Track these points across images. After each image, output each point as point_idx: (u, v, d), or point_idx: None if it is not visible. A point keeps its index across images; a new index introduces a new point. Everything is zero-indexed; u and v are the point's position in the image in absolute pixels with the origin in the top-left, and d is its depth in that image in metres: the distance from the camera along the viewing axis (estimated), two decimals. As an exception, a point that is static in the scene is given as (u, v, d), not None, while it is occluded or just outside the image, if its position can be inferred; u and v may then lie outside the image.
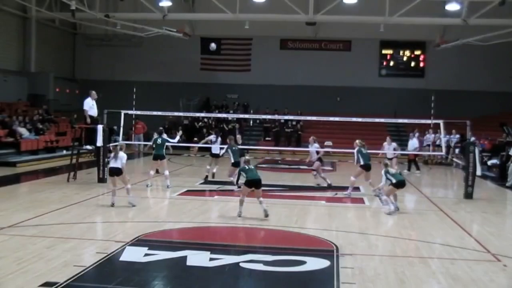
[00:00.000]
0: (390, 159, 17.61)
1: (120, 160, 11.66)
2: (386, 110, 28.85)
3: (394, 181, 11.67)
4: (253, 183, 10.75)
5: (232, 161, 14.86)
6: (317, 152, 15.53)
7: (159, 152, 14.88)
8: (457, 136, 24.19)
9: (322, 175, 15.50)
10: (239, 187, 13.83)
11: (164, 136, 15.39)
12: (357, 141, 14.46)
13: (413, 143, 20.69)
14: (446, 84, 29.88)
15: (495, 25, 24.26)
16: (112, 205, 11.49)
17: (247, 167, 11.02)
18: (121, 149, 11.95)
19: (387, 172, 11.88)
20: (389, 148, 17.90)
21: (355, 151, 14.15)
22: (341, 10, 25.93)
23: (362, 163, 13.94)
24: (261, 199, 10.80)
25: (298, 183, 16.90)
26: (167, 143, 15.33)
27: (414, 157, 20.85)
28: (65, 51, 32.72)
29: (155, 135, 15.67)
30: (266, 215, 10.61)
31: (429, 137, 24.62)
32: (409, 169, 20.41)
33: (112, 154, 11.86)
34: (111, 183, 11.96)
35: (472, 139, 22.42)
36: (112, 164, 11.73)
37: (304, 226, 10.15)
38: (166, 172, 14.88)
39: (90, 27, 30.81)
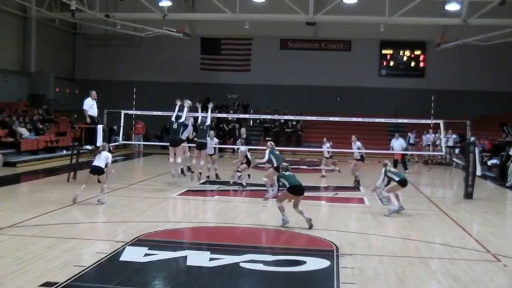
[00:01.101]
0: (358, 160, 16.77)
1: (104, 159, 11.88)
2: (386, 110, 28.87)
3: (397, 179, 11.57)
4: (296, 190, 10.05)
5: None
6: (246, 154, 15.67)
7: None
8: (454, 136, 24.12)
9: (240, 175, 15.31)
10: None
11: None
12: (268, 143, 14.33)
13: (400, 142, 20.62)
14: (446, 84, 29.89)
15: (495, 25, 24.27)
16: (74, 201, 11.62)
17: (286, 173, 10.30)
18: (103, 149, 12.11)
19: (387, 171, 11.78)
20: (353, 147, 16.95)
21: (267, 152, 13.72)
22: (341, 10, 25.94)
23: (275, 164, 13.33)
24: (301, 208, 10.03)
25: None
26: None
27: (402, 157, 20.77)
28: (65, 51, 32.72)
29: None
30: (310, 226, 9.89)
31: (429, 137, 24.61)
32: (404, 169, 20.30)
33: (97, 153, 12.12)
34: (87, 180, 12.06)
35: (472, 139, 22.46)
36: (95, 162, 11.94)
37: (304, 226, 10.14)
38: (179, 159, 14.80)
39: (90, 27, 30.85)
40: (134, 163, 23.93)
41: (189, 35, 29.24)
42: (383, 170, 11.90)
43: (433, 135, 24.12)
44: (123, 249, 8.10)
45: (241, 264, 7.51)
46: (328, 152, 18.53)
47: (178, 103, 15.51)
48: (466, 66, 30.36)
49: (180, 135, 14.94)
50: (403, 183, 11.63)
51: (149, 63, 32.35)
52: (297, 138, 29.09)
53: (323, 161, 18.65)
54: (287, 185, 10.01)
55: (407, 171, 20.15)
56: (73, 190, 13.56)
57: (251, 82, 31.90)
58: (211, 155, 16.68)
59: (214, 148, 16.93)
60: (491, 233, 10.21)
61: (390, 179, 11.76)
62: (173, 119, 15.03)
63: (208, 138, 16.35)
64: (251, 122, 31.78)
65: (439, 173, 21.90)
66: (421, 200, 14.16)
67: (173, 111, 15.10)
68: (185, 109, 15.31)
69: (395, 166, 20.17)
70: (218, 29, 30.88)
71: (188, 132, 16.12)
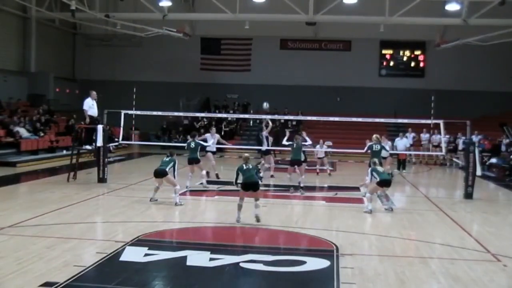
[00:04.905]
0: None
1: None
2: (386, 110, 28.86)
3: (378, 179, 11.70)
4: (385, 183, 11.75)
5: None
6: None
7: (193, 155, 14.72)
8: (442, 136, 24.00)
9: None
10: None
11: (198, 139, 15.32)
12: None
13: (404, 142, 20.66)
14: (446, 84, 29.92)
15: (495, 25, 24.30)
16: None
17: (378, 169, 11.78)
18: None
19: (373, 170, 11.91)
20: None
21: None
22: (341, 10, 25.95)
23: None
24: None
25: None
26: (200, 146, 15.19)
27: (405, 157, 20.84)
28: (65, 51, 32.74)
29: (189, 139, 15.47)
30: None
31: (423, 136, 24.50)
32: (403, 168, 20.31)
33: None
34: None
35: (479, 137, 22.42)
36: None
37: (304, 226, 10.15)
38: (203, 172, 14.96)
39: (90, 27, 30.86)
40: (134, 163, 23.90)
41: (189, 35, 29.26)
42: (369, 169, 12.17)
43: (427, 135, 24.05)
44: (123, 249, 8.10)
45: (241, 264, 7.50)
46: (326, 153, 18.71)
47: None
48: (466, 66, 30.38)
49: (198, 153, 14.89)
50: (382, 183, 11.74)
51: (149, 63, 32.37)
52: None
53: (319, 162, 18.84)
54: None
55: (404, 171, 20.17)
56: (73, 190, 13.64)
57: (251, 82, 31.89)
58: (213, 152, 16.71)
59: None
60: (491, 233, 10.20)
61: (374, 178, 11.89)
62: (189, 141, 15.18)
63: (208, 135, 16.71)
64: (251, 122, 31.78)
65: (439, 173, 21.90)
66: (421, 200, 14.17)
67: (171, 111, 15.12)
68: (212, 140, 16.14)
69: (399, 166, 20.25)
70: (218, 29, 30.89)
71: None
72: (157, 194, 12.31)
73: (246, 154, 10.71)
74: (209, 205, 12.96)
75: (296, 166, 14.59)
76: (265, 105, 17.61)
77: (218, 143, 17.11)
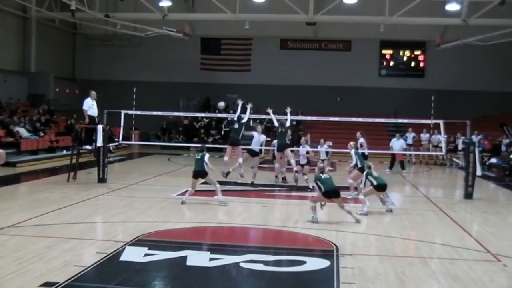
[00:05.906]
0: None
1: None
2: (386, 110, 28.85)
3: (375, 183, 11.68)
4: (381, 188, 11.70)
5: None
6: None
7: (235, 137, 14.91)
8: (445, 136, 23.97)
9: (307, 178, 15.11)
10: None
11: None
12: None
13: (401, 143, 20.67)
14: (446, 84, 29.92)
15: (495, 25, 24.30)
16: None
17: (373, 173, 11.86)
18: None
19: (368, 174, 11.90)
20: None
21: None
22: (341, 10, 25.94)
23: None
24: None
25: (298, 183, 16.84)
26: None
27: (402, 157, 20.84)
28: (65, 51, 32.73)
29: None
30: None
31: (423, 136, 24.50)
32: (402, 168, 20.30)
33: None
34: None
35: (479, 137, 22.46)
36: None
37: (304, 226, 10.14)
38: (240, 160, 14.86)
39: (90, 27, 30.87)
40: (134, 163, 23.90)
41: (189, 35, 29.26)
42: (365, 172, 12.10)
43: (427, 135, 24.05)
44: (123, 249, 8.10)
45: (241, 264, 7.50)
46: (327, 153, 18.30)
47: (241, 102, 16.17)
48: (466, 66, 30.37)
49: (240, 135, 14.97)
50: (379, 188, 11.72)
51: (149, 63, 32.36)
52: (297, 138, 29.03)
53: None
54: (323, 190, 10.65)
55: (404, 171, 20.17)
56: (73, 190, 13.64)
57: (251, 82, 31.86)
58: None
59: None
60: (491, 233, 10.20)
61: (370, 182, 11.87)
62: (235, 118, 15.16)
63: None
64: (251, 122, 31.69)
65: (438, 173, 21.90)
66: (421, 200, 14.16)
67: (171, 111, 15.07)
68: (248, 110, 15.98)
69: (391, 165, 20.26)
70: (218, 29, 30.90)
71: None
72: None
73: (321, 165, 11.31)
74: (209, 205, 12.94)
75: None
76: (221, 104, 17.67)
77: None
